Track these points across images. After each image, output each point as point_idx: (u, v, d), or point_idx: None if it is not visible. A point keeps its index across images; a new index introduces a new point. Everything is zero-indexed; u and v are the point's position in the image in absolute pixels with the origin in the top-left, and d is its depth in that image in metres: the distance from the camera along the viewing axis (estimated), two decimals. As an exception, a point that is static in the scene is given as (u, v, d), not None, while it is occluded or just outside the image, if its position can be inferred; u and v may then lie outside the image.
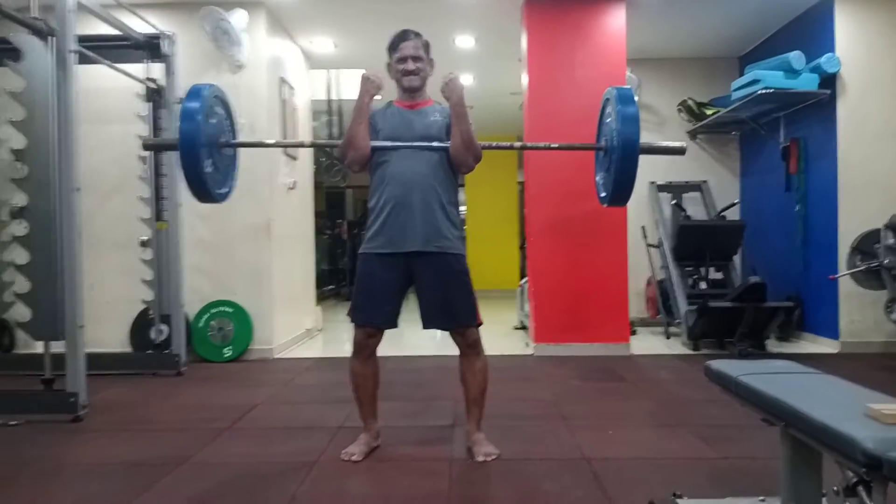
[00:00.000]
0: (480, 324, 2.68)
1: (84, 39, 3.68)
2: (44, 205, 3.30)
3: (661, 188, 6.30)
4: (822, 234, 5.14)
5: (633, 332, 5.46)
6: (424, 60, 2.70)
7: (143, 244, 4.54)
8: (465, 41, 5.97)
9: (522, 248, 10.43)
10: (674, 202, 6.18)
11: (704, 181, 6.36)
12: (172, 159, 4.46)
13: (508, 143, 2.99)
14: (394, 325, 2.69)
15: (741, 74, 5.61)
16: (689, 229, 5.64)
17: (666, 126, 6.46)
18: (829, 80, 4.96)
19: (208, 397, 3.85)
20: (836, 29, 4.94)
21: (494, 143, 2.80)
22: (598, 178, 2.77)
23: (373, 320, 2.65)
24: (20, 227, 3.42)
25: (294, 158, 5.58)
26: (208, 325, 4.82)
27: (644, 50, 6.03)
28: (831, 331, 5.03)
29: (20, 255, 3.42)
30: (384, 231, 2.61)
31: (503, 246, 10.47)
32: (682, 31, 5.79)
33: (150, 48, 4.44)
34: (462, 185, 11.22)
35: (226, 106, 2.70)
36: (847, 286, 4.84)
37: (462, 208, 14.96)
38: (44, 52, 3.27)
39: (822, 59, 4.88)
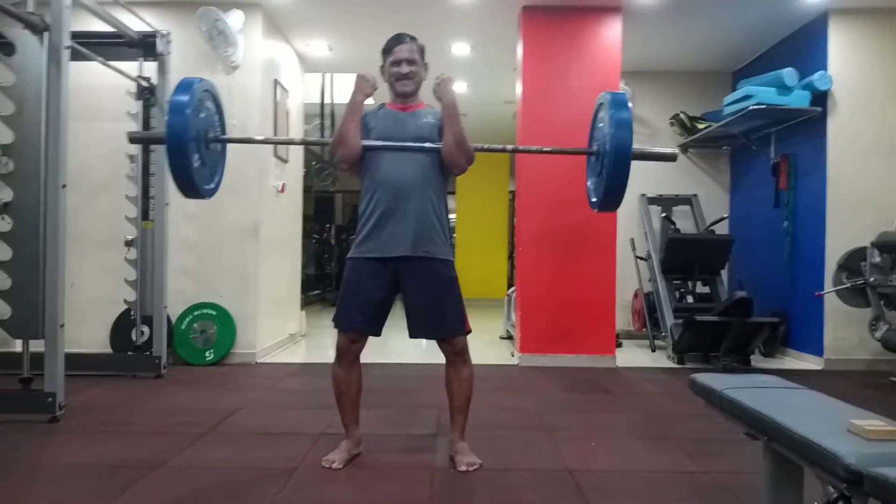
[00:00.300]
0: (469, 331, 2.67)
1: (78, 36, 3.66)
2: (29, 201, 3.26)
3: (652, 201, 6.33)
4: (809, 251, 5.16)
5: (619, 345, 5.46)
6: (419, 64, 2.68)
7: (128, 243, 4.50)
8: (460, 48, 5.98)
9: (511, 257, 10.45)
10: (663, 215, 6.20)
11: (694, 195, 6.39)
12: (161, 158, 4.43)
13: (501, 146, 2.98)
14: (377, 332, 2.66)
15: (734, 89, 5.65)
16: (678, 242, 5.65)
17: (658, 139, 6.48)
18: (821, 98, 5.00)
19: (188, 401, 3.80)
20: (829, 47, 4.98)
21: (486, 145, 2.79)
22: (588, 184, 2.75)
23: (357, 326, 2.62)
24: (3, 223, 3.38)
25: (284, 161, 5.56)
26: (191, 327, 4.78)
27: (638, 62, 6.06)
28: (816, 347, 5.04)
29: (2, 252, 3.38)
30: (374, 235, 2.59)
31: (492, 255, 10.48)
32: (676, 45, 5.82)
33: (145, 46, 4.43)
34: (452, 193, 11.30)
35: (215, 101, 2.67)
36: (832, 303, 4.86)
37: (452, 216, 14.96)
38: (37, 47, 3.25)
39: (815, 77, 4.92)
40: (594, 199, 2.66)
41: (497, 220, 10.71)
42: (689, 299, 5.75)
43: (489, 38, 5.66)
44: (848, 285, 4.67)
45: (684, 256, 5.61)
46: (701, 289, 5.87)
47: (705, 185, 6.51)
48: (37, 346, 3.28)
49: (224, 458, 2.76)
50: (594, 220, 4.91)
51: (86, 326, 4.67)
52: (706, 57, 6.10)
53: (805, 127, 5.21)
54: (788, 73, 4.96)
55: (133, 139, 2.74)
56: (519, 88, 5.13)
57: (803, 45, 5.30)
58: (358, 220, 2.69)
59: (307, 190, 7.60)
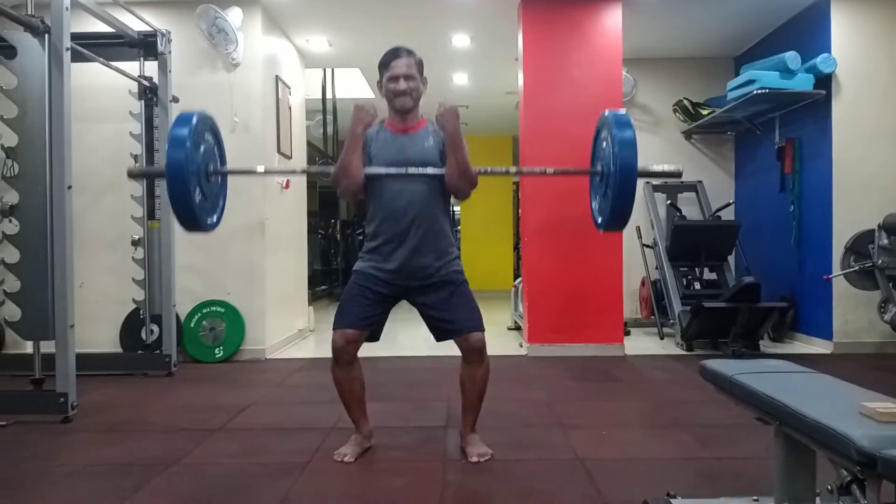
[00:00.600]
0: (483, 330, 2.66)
1: (78, 37, 3.67)
2: (35, 203, 3.27)
3: (657, 188, 6.30)
4: (816, 235, 5.14)
5: (627, 333, 5.46)
6: (417, 79, 2.60)
7: (135, 243, 4.51)
8: (461, 40, 5.96)
9: (517, 248, 10.44)
10: (669, 202, 6.18)
11: (700, 181, 6.36)
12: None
13: (504, 169, 2.95)
14: (375, 336, 2.66)
15: (737, 74, 5.62)
16: (684, 229, 5.63)
17: (661, 126, 6.46)
18: (825, 81, 4.97)
19: (199, 398, 3.82)
20: (832, 29, 4.95)
21: (490, 169, 2.75)
22: (593, 205, 2.69)
23: (353, 324, 2.58)
24: (10, 226, 3.40)
25: (288, 157, 5.56)
26: (200, 325, 4.80)
27: (640, 50, 6.03)
28: (825, 331, 5.03)
29: (10, 254, 3.39)
30: (382, 260, 2.60)
31: (498, 246, 10.47)
32: (677, 31, 5.79)
33: (145, 46, 4.43)
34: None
35: (214, 133, 2.62)
36: (841, 287, 4.84)
37: (456, 209, 14.92)
38: (38, 50, 3.25)
39: (818, 60, 4.88)
40: (599, 220, 2.61)
41: (502, 212, 10.69)
42: (697, 286, 5.73)
43: (489, 28, 5.64)
44: (856, 268, 4.66)
45: (691, 243, 5.60)
46: (708, 275, 5.85)
47: (710, 171, 6.49)
48: (47, 346, 3.30)
49: (236, 453, 2.77)
50: (599, 209, 4.89)
51: (95, 326, 4.70)
52: (708, 42, 6.06)
53: (809, 110, 5.18)
54: (791, 57, 4.92)
55: (132, 174, 2.69)
56: (521, 79, 5.11)
57: (806, 28, 5.26)
58: (365, 236, 2.69)
59: (311, 185, 7.60)
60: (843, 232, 4.80)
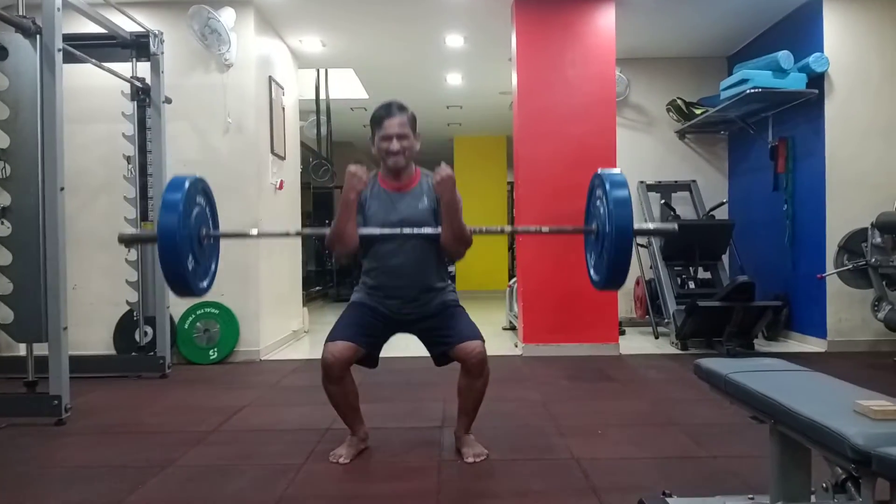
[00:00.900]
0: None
1: (70, 38, 3.64)
2: (28, 205, 3.25)
3: (651, 188, 6.31)
4: (809, 234, 5.16)
5: (622, 332, 5.46)
6: (411, 137, 2.57)
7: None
8: (454, 40, 5.96)
9: (511, 248, 10.45)
10: (663, 202, 6.19)
11: (693, 181, 6.38)
12: (161, 159, 4.43)
13: (499, 228, 2.96)
14: (371, 358, 2.67)
15: (730, 74, 5.63)
16: (678, 229, 5.63)
17: (655, 126, 6.48)
18: (818, 80, 4.99)
19: (194, 400, 3.81)
20: (824, 28, 4.97)
21: (484, 228, 2.75)
22: (588, 261, 2.71)
23: (345, 336, 2.56)
24: (3, 228, 3.37)
25: (282, 158, 5.55)
26: (194, 326, 4.78)
27: (633, 49, 6.04)
28: (819, 330, 5.05)
29: (3, 256, 3.37)
30: (379, 300, 2.63)
31: (492, 246, 10.46)
32: (670, 31, 5.80)
33: (138, 47, 4.41)
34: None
35: (208, 196, 2.60)
36: (834, 285, 4.86)
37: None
38: (30, 51, 3.23)
39: (811, 59, 4.90)
40: (596, 279, 2.62)
41: (496, 211, 10.68)
42: (691, 285, 5.75)
43: (483, 29, 5.64)
44: (849, 267, 4.67)
45: (685, 242, 5.61)
46: (702, 274, 5.87)
47: (704, 171, 6.50)
48: (41, 349, 3.27)
49: (231, 455, 2.76)
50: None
51: (89, 328, 4.69)
52: (701, 42, 6.08)
53: (802, 109, 5.19)
54: (784, 56, 4.94)
55: (122, 239, 2.64)
56: (514, 79, 5.11)
57: (798, 28, 5.28)
58: (362, 272, 2.71)
59: (305, 186, 7.58)
60: (836, 230, 4.82)
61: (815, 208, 5.06)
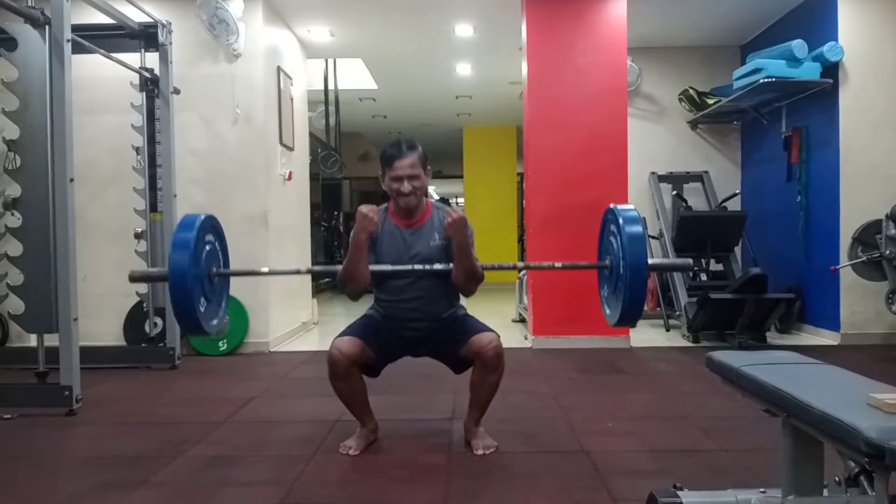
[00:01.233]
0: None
1: (79, 28, 3.65)
2: (38, 196, 3.26)
3: (662, 179, 6.27)
4: (823, 225, 5.10)
5: (633, 325, 5.43)
6: (421, 177, 2.56)
7: (138, 236, 4.50)
8: (464, 30, 5.92)
9: (521, 240, 10.42)
10: (674, 193, 6.15)
11: (705, 171, 6.32)
12: (169, 149, 4.43)
13: (511, 264, 2.96)
14: (375, 369, 2.68)
15: (743, 63, 5.57)
16: (690, 220, 5.60)
17: (667, 116, 6.42)
18: (832, 69, 4.92)
19: (204, 391, 3.82)
20: (838, 17, 4.89)
21: (498, 264, 2.75)
22: (603, 295, 2.70)
23: (353, 332, 2.60)
24: (13, 219, 3.39)
25: (290, 149, 5.55)
26: (205, 317, 4.79)
27: (645, 38, 5.98)
28: (832, 322, 5.00)
29: (14, 247, 3.39)
30: (393, 325, 2.66)
31: (502, 238, 10.44)
32: (682, 20, 5.74)
33: (146, 37, 4.41)
34: (460, 177, 11.25)
35: (218, 234, 2.60)
36: (848, 277, 4.81)
37: (460, 200, 14.83)
38: (39, 42, 3.23)
39: (825, 48, 4.83)
40: (609, 313, 2.61)
41: (506, 203, 10.66)
42: (703, 277, 5.71)
43: (493, 18, 5.60)
44: (863, 259, 4.62)
45: (697, 234, 5.57)
46: (714, 266, 5.83)
47: (716, 162, 6.45)
48: (51, 340, 3.29)
49: (241, 446, 2.77)
50: (605, 200, 4.80)
51: (99, 319, 4.71)
52: (714, 31, 6.01)
53: (816, 99, 5.13)
54: (798, 45, 4.87)
55: (133, 278, 2.66)
56: (525, 69, 5.07)
57: (812, 16, 5.21)
58: (374, 298, 2.73)
59: (314, 177, 7.58)
60: (850, 222, 4.76)
61: (829, 199, 5.00)
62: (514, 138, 10.48)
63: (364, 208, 2.45)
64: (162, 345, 4.41)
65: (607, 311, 2.60)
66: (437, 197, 15.25)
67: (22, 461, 2.61)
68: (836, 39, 4.88)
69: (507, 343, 2.60)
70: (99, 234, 4.77)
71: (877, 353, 4.57)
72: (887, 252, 4.48)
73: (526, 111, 5.08)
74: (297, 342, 5.44)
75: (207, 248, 2.44)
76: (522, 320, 6.01)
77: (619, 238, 2.37)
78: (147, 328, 4.53)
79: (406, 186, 2.53)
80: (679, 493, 1.76)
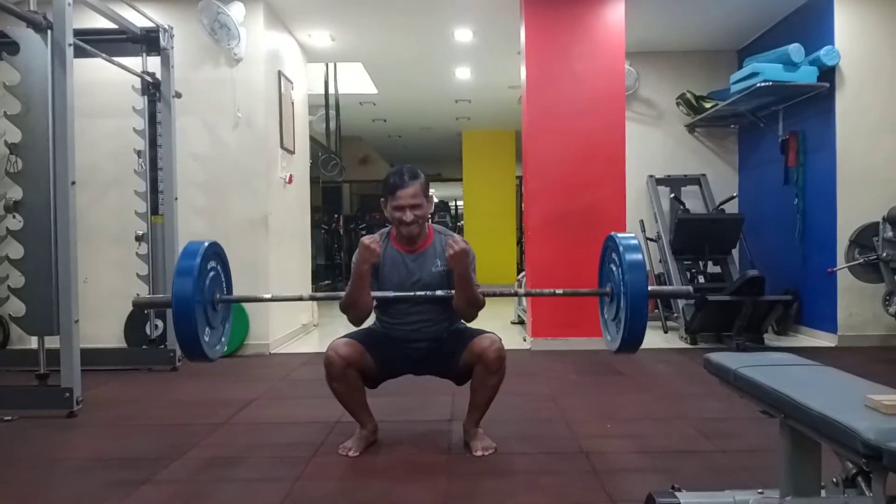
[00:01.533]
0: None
1: (81, 33, 3.66)
2: (39, 199, 3.27)
3: (660, 182, 6.29)
4: (820, 228, 5.13)
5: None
6: (424, 206, 2.57)
7: (139, 238, 4.52)
8: (463, 34, 5.94)
9: (520, 242, 10.44)
10: (672, 196, 6.17)
11: (703, 175, 6.35)
12: (171, 153, 4.44)
13: (512, 290, 3.00)
14: (373, 378, 2.69)
15: (740, 67, 5.59)
16: (688, 223, 5.62)
17: (664, 120, 6.45)
18: (829, 73, 4.95)
19: (204, 393, 3.83)
20: (835, 21, 4.92)
21: (499, 290, 2.80)
22: (603, 321, 2.73)
23: (351, 335, 2.65)
24: (14, 222, 3.40)
25: (291, 152, 5.56)
26: (205, 319, 4.80)
27: (643, 43, 6.01)
28: (829, 324, 5.02)
29: (15, 250, 3.40)
30: (396, 348, 2.69)
31: (501, 241, 10.47)
32: (680, 24, 5.77)
33: (148, 41, 4.43)
34: (459, 180, 11.25)
35: (222, 260, 2.62)
36: (845, 279, 4.83)
37: (459, 203, 14.85)
38: (41, 46, 3.24)
39: (822, 52, 4.86)
40: (609, 338, 2.63)
41: (505, 206, 10.68)
42: (701, 279, 5.73)
43: (492, 23, 5.63)
44: (860, 261, 4.64)
45: (694, 237, 5.59)
46: (712, 269, 5.84)
47: (714, 165, 6.47)
48: (52, 342, 3.30)
49: (241, 448, 2.78)
50: (603, 203, 4.90)
51: (100, 322, 4.72)
52: (711, 35, 6.04)
53: (813, 103, 5.16)
54: (795, 49, 4.90)
55: (137, 304, 2.70)
56: (523, 73, 5.10)
57: (809, 21, 5.24)
58: (376, 317, 2.76)
59: (315, 180, 7.59)
60: (847, 224, 4.78)
61: (826, 202, 5.03)
62: (514, 142, 10.50)
63: (366, 239, 2.48)
64: (163, 347, 4.43)
65: (608, 338, 2.63)
66: (436, 201, 15.26)
67: (22, 463, 2.62)
68: (832, 44, 4.91)
69: (505, 345, 2.62)
70: (100, 237, 4.79)
71: (874, 354, 4.59)
72: (884, 254, 4.50)
73: (525, 116, 5.10)
74: (297, 344, 5.45)
75: (211, 274, 2.47)
76: (521, 322, 6.03)
77: (619, 266, 2.39)
78: (148, 330, 4.54)
79: (408, 216, 2.54)
80: (677, 493, 1.77)
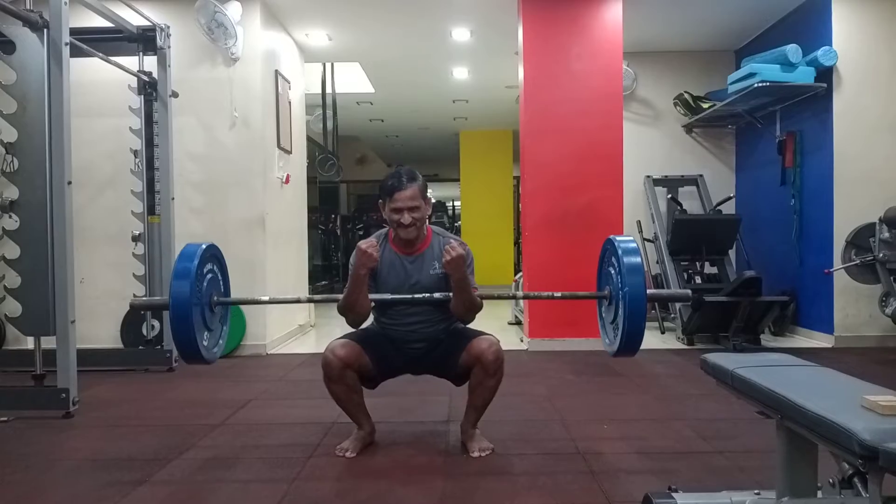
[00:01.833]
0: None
1: (77, 32, 3.65)
2: (35, 199, 3.26)
3: (657, 182, 6.29)
4: (817, 228, 5.13)
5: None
6: (422, 208, 2.56)
7: (135, 238, 4.51)
8: (461, 34, 5.94)
9: (517, 243, 10.44)
10: (669, 196, 6.17)
11: (700, 175, 6.35)
12: (167, 153, 4.43)
13: (511, 294, 2.99)
14: (372, 378, 2.69)
15: (738, 68, 5.60)
16: (685, 224, 5.63)
17: (662, 120, 6.45)
18: (826, 74, 4.96)
19: (201, 393, 3.82)
20: (832, 22, 4.93)
21: (497, 294, 2.80)
22: (601, 324, 2.73)
23: (349, 336, 2.64)
24: (10, 222, 3.39)
25: (288, 152, 5.56)
26: (202, 320, 4.79)
27: (640, 43, 6.02)
28: (826, 325, 5.03)
29: (11, 250, 3.39)
30: (393, 348, 2.69)
31: (498, 241, 10.47)
32: (678, 25, 5.77)
33: (144, 41, 4.42)
34: (456, 181, 11.25)
35: (220, 262, 2.61)
36: (842, 280, 4.84)
37: (456, 203, 14.89)
38: (37, 45, 3.23)
39: (819, 52, 4.87)
40: (607, 341, 2.64)
41: (502, 206, 10.69)
42: (698, 280, 5.73)
43: (489, 22, 5.63)
44: (857, 262, 4.65)
45: (691, 237, 5.59)
46: (709, 269, 5.85)
47: (711, 165, 6.48)
48: (48, 342, 3.29)
49: (238, 448, 2.77)
50: (600, 204, 4.91)
51: (96, 322, 4.71)
52: (708, 36, 6.05)
53: (810, 103, 5.16)
54: (792, 50, 4.91)
55: (134, 306, 2.69)
56: (521, 73, 5.10)
57: (806, 21, 5.24)
58: (375, 318, 2.75)
59: (312, 181, 7.58)
60: (844, 225, 4.80)
61: (823, 203, 5.03)
62: (511, 142, 10.50)
63: (364, 244, 2.47)
64: (159, 347, 4.42)
65: (606, 341, 2.63)
66: (434, 200, 15.25)
67: (19, 464, 2.61)
68: (830, 44, 4.92)
69: (503, 345, 2.62)
70: (96, 237, 4.78)
71: (870, 355, 4.59)
72: (881, 255, 4.51)
73: (522, 116, 5.10)
74: (294, 344, 5.44)
75: (208, 276, 2.46)
76: (518, 323, 6.03)
77: (618, 269, 2.39)
78: (144, 330, 4.54)
79: (406, 218, 2.54)
80: (674, 494, 1.77)
